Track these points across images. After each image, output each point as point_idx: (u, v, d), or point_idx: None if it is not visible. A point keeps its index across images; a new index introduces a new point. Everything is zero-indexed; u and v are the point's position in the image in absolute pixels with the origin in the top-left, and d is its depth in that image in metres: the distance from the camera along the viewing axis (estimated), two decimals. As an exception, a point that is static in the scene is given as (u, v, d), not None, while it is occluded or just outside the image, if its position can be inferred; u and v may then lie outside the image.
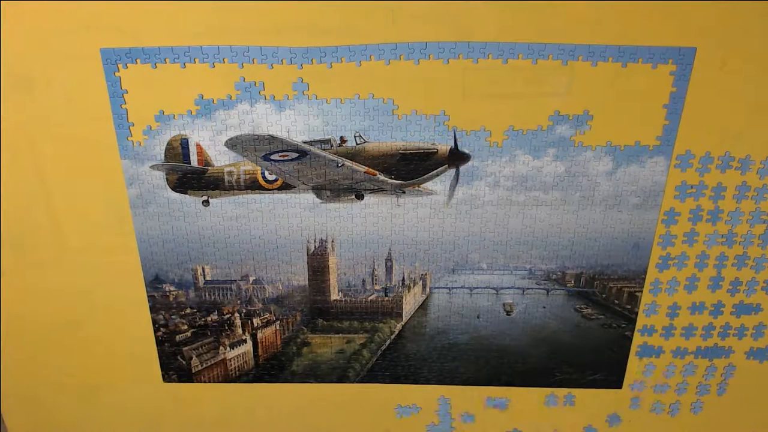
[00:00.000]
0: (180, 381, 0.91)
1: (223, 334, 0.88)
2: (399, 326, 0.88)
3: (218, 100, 0.72)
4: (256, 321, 0.87)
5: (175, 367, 0.90)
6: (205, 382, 0.91)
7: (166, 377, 0.90)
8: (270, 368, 0.90)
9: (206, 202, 0.79)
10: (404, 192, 0.78)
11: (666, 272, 0.81)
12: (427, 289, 0.84)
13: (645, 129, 0.72)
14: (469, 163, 0.75)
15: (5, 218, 0.79)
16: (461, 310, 0.86)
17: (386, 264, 0.83)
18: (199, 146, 0.75)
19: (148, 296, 0.84)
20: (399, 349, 0.89)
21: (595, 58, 0.68)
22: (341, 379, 0.91)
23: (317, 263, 0.83)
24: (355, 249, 0.81)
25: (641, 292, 0.82)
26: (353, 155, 0.75)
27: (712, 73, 0.68)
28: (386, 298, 0.86)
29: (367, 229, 0.80)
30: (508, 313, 0.86)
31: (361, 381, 0.91)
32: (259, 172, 0.77)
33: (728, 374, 0.88)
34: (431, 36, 0.67)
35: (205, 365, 0.89)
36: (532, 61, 0.68)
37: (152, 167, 0.76)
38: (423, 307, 0.86)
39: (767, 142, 0.72)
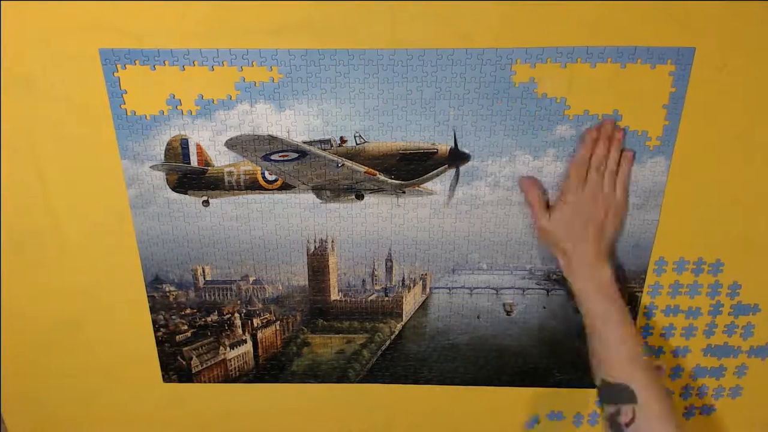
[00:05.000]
0: (180, 381, 0.91)
1: (223, 334, 0.88)
2: (399, 326, 0.88)
3: (218, 100, 0.72)
4: (256, 321, 0.87)
5: (175, 367, 0.90)
6: (205, 382, 0.91)
7: (166, 377, 0.90)
8: (270, 368, 0.90)
9: (206, 203, 0.79)
10: (404, 192, 0.78)
11: (665, 275, 0.81)
12: (427, 289, 0.84)
13: (645, 129, 0.72)
14: (469, 163, 0.75)
15: (5, 218, 0.80)
16: (461, 310, 0.86)
17: (386, 264, 0.83)
18: (199, 146, 0.75)
19: (148, 296, 0.84)
20: (399, 350, 0.89)
21: (594, 60, 0.68)
22: (341, 379, 0.91)
23: (317, 263, 0.83)
24: (355, 249, 0.81)
25: (641, 292, 0.82)
26: (353, 155, 0.75)
27: (712, 73, 0.68)
28: (386, 298, 0.86)
29: (367, 229, 0.80)
30: (508, 313, 0.86)
31: (361, 381, 0.91)
32: (259, 172, 0.77)
33: (740, 373, 0.88)
34: (430, 41, 0.67)
35: (205, 365, 0.89)
36: (531, 65, 0.68)
37: (152, 167, 0.76)
38: (423, 307, 0.86)
39: (767, 142, 0.72)
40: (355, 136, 0.74)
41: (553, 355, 0.88)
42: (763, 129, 0.72)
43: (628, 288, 0.82)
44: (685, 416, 0.91)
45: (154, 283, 0.84)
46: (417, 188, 0.78)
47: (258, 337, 0.88)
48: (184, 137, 0.74)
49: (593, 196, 0.70)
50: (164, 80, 0.70)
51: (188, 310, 0.86)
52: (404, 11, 0.66)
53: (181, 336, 0.88)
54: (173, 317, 0.86)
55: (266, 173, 0.77)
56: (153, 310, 0.86)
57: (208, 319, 0.87)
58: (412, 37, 0.67)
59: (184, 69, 0.69)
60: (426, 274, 0.83)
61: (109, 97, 0.71)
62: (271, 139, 0.74)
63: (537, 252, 0.81)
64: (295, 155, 0.75)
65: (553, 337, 0.87)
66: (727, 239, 0.78)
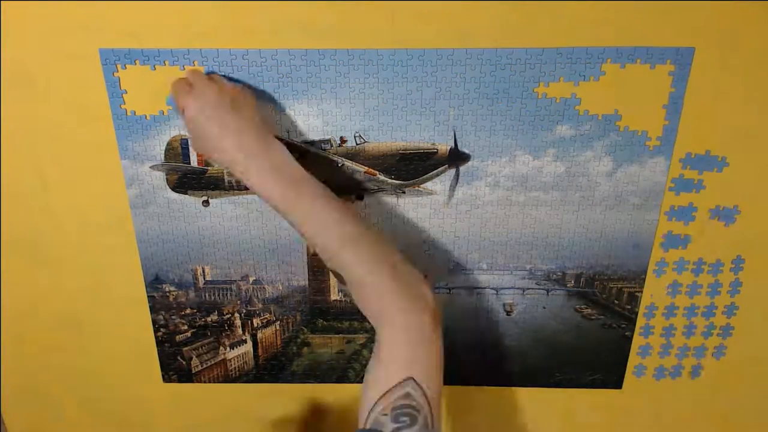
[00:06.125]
0: (180, 381, 0.91)
1: (223, 334, 0.88)
2: (399, 326, 0.87)
3: (218, 100, 0.72)
4: (256, 321, 0.87)
5: (175, 367, 0.90)
6: (205, 382, 0.91)
7: (166, 377, 0.90)
8: (270, 368, 0.90)
9: (206, 203, 0.79)
10: (404, 192, 0.78)
11: (665, 275, 0.81)
12: (427, 289, 0.84)
13: (645, 129, 0.72)
14: (469, 163, 0.75)
15: (5, 218, 0.80)
16: (461, 310, 0.86)
17: (386, 264, 0.82)
18: (199, 146, 0.75)
19: (148, 296, 0.84)
20: (399, 349, 0.88)
21: (594, 61, 0.68)
22: (341, 379, 0.91)
23: (317, 263, 0.83)
24: (355, 249, 0.81)
25: (641, 292, 0.82)
26: (353, 155, 0.75)
27: (712, 73, 0.68)
28: (386, 298, 0.85)
29: (367, 229, 0.80)
30: (508, 313, 0.86)
31: (361, 381, 0.90)
32: (259, 172, 0.77)
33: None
34: (430, 41, 0.67)
35: (205, 365, 0.89)
36: (531, 66, 0.68)
37: (152, 167, 0.76)
38: (423, 307, 0.86)
39: (767, 142, 0.72)
40: (355, 136, 0.74)
41: (553, 355, 0.88)
42: (763, 129, 0.72)
43: (628, 288, 0.82)
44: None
45: (154, 283, 0.84)
46: (417, 188, 0.78)
47: (258, 337, 0.88)
48: (184, 137, 0.74)
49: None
50: (164, 80, 0.70)
51: (188, 310, 0.86)
52: (404, 11, 0.66)
53: (181, 336, 0.88)
54: (173, 317, 0.86)
55: (266, 173, 0.77)
56: (153, 310, 0.86)
57: (208, 319, 0.87)
58: (412, 37, 0.67)
59: (184, 69, 0.69)
60: (426, 274, 0.83)
61: (109, 97, 0.71)
62: (271, 139, 0.73)
63: (537, 252, 0.81)
64: (295, 155, 0.75)
65: (553, 337, 0.87)
66: (727, 240, 0.78)
